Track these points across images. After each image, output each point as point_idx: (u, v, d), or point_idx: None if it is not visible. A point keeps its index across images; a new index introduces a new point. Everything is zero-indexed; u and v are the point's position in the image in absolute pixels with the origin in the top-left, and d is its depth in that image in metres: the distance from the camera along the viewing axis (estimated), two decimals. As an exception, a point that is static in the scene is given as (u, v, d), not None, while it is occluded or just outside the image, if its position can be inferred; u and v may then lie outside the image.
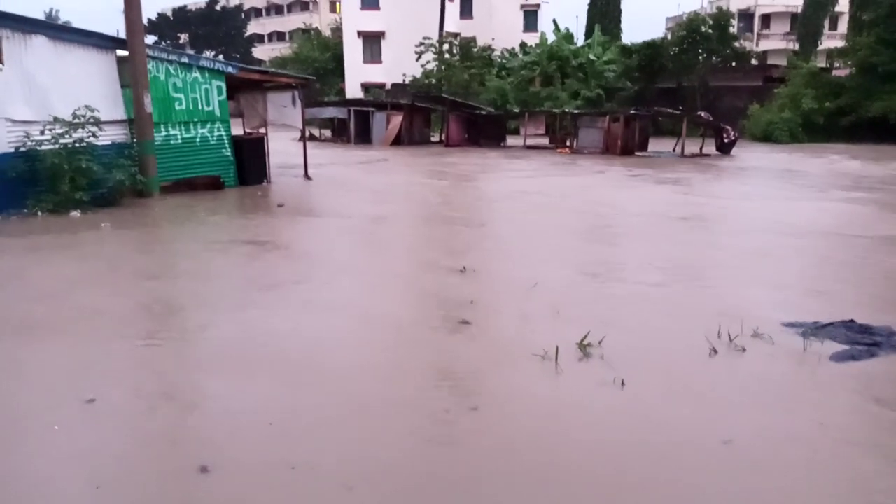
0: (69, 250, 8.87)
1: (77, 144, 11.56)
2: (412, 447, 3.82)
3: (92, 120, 11.73)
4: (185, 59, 13.96)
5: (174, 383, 4.75)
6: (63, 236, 9.64)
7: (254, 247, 9.02)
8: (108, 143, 12.32)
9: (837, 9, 46.65)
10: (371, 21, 44.56)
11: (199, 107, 13.92)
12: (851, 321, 5.64)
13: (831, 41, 44.94)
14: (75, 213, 11.05)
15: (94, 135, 11.79)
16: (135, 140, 12.75)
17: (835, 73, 31.60)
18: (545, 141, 28.07)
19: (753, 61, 39.30)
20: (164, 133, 13.33)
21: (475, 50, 40.24)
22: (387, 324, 5.87)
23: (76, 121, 11.55)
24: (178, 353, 5.27)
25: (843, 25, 44.29)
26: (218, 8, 68.39)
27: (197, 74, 13.85)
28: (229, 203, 13.01)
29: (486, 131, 28.18)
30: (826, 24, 47.80)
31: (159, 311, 6.20)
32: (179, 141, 13.70)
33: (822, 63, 34.50)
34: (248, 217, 11.62)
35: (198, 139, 13.99)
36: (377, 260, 8.60)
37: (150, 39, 52.81)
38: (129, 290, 6.88)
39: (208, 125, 14.11)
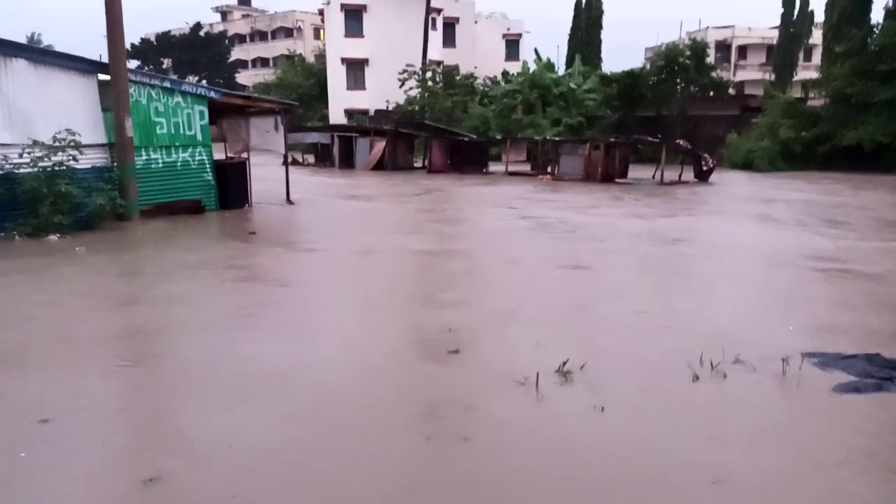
0: (41, 275, 8.75)
1: (56, 168, 11.48)
2: (375, 482, 3.67)
3: (72, 143, 11.67)
4: (167, 84, 13.96)
5: (138, 404, 4.71)
6: (37, 260, 9.51)
7: (230, 272, 8.93)
8: (89, 166, 12.25)
9: (811, 41, 47.81)
10: (355, 48, 44.93)
11: (181, 131, 13.90)
12: (877, 354, 5.54)
13: (806, 72, 46.02)
14: (53, 237, 10.93)
15: (74, 158, 11.72)
16: (115, 164, 12.69)
17: (810, 102, 32.24)
18: (527, 167, 28.28)
19: (731, 91, 40.02)
20: (144, 157, 13.29)
21: (458, 78, 40.71)
22: (367, 352, 5.81)
23: (56, 144, 11.48)
24: (144, 376, 5.20)
25: (817, 57, 45.36)
26: (202, 34, 68.57)
27: (179, 99, 13.86)
28: (209, 228, 12.95)
29: (468, 158, 28.35)
30: (801, 55, 48.91)
31: (128, 336, 6.10)
32: (160, 165, 13.66)
33: (797, 93, 35.22)
34: (225, 243, 11.55)
35: (179, 163, 13.96)
36: (361, 289, 8.51)
37: (133, 64, 53.01)
38: (98, 316, 6.78)
39: (190, 149, 14.08)
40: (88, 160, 12.29)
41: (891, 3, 30.32)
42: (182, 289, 8.03)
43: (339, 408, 4.58)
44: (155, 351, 5.79)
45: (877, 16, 31.51)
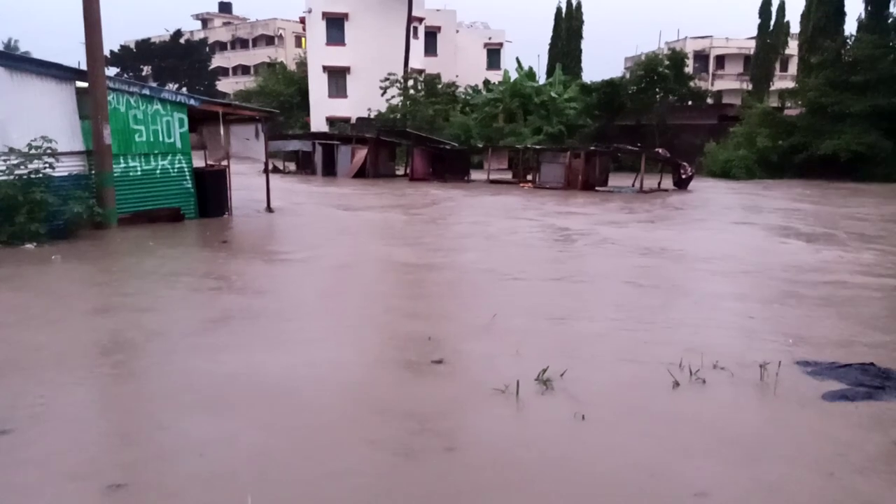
0: (13, 283, 8.60)
1: (33, 176, 11.34)
2: (353, 494, 3.62)
3: (49, 151, 11.53)
4: (146, 91, 13.86)
5: (108, 414, 4.70)
6: (12, 269, 9.35)
7: (207, 282, 8.84)
8: (66, 174, 12.12)
9: (787, 51, 48.56)
10: (337, 56, 44.92)
11: (160, 139, 13.80)
12: (871, 364, 5.47)
13: (782, 82, 46.78)
14: (30, 246, 10.78)
15: (50, 166, 11.59)
16: (93, 172, 12.58)
17: (786, 112, 32.75)
18: (508, 175, 28.41)
19: (709, 100, 40.53)
20: (123, 165, 13.17)
21: (440, 86, 40.81)
22: (347, 362, 5.79)
23: (32, 152, 11.35)
24: (114, 385, 5.16)
25: (793, 67, 46.09)
26: (182, 41, 68.24)
27: (158, 106, 13.76)
28: (187, 236, 12.84)
29: (450, 166, 28.41)
30: (777, 66, 49.66)
31: (99, 345, 6.02)
32: (139, 173, 13.54)
33: (774, 103, 35.73)
34: (203, 252, 11.46)
35: (158, 171, 13.84)
36: (342, 299, 8.42)
37: (113, 71, 52.56)
38: (70, 325, 6.70)
39: (169, 157, 13.97)
40: (65, 168, 12.15)
41: (863, 16, 30.98)
42: (157, 298, 7.92)
43: (317, 419, 4.52)
44: (127, 360, 5.72)
45: (850, 27, 32.19)
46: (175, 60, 65.88)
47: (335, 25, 45.28)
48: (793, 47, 43.74)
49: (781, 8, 46.62)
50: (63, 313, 7.15)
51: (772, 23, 47.06)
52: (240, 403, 4.73)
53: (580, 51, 46.78)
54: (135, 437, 4.28)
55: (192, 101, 14.65)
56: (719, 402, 4.87)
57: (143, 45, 67.12)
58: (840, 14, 32.10)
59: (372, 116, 39.07)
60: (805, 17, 33.63)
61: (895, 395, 4.92)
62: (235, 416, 4.52)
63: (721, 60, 60.73)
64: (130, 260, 10.69)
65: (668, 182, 24.91)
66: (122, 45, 66.86)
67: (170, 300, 7.87)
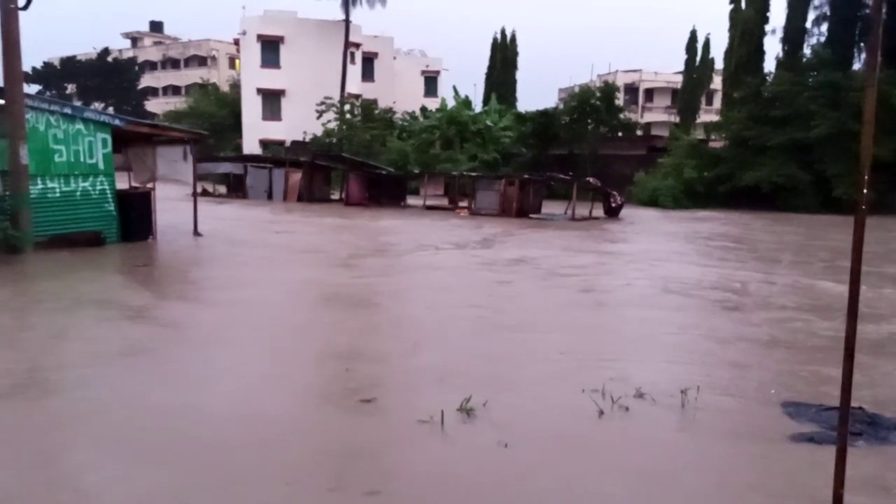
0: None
1: (-61, 196, 10.69)
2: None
3: (-43, 170, 10.91)
4: (67, 110, 13.30)
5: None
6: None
7: (120, 310, 8.37)
8: (-24, 195, 11.48)
9: (712, 86, 50.70)
10: (271, 79, 44.44)
11: (82, 159, 13.23)
12: (859, 408, 5.15)
13: (708, 115, 48.72)
14: (-68, 271, 10.10)
15: (-41, 186, 10.96)
16: (8, 193, 11.93)
17: (711, 144, 34.04)
18: (444, 201, 28.50)
19: (639, 132, 41.82)
20: (41, 186, 12.56)
21: (377, 112, 40.82)
22: (263, 398, 5.54)
23: (-61, 171, 10.71)
24: (14, 414, 4.85)
25: (717, 101, 48.07)
26: (110, 59, 66.26)
27: (80, 126, 13.21)
28: (105, 261, 12.30)
29: (387, 191, 28.34)
30: (703, 99, 51.79)
31: (3, 374, 5.63)
32: (58, 194, 12.93)
33: (700, 135, 37.13)
34: (119, 277, 10.97)
35: (78, 193, 13.25)
36: (263, 330, 7.98)
37: (34, 89, 50.44)
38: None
39: (91, 178, 13.40)
40: (-24, 188, 11.51)
41: (781, 55, 32.72)
42: (66, 327, 7.47)
43: (229, 459, 4.24)
44: (27, 389, 5.35)
45: (769, 65, 33.92)
46: (102, 79, 63.83)
47: (270, 48, 44.86)
48: (717, 82, 45.67)
49: (707, 45, 48.75)
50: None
51: (697, 59, 49.10)
52: (144, 439, 4.43)
53: (515, 81, 47.79)
54: (19, 464, 4.03)
55: (116, 122, 14.15)
56: (652, 436, 4.84)
57: (69, 62, 64.81)
58: (760, 52, 33.76)
59: (307, 140, 38.68)
60: (728, 54, 35.21)
61: (870, 442, 4.77)
62: (136, 453, 4.22)
63: (650, 93, 62.93)
64: (42, 285, 10.12)
65: (599, 210, 25.44)
66: (45, 62, 64.44)
67: (79, 329, 7.44)
